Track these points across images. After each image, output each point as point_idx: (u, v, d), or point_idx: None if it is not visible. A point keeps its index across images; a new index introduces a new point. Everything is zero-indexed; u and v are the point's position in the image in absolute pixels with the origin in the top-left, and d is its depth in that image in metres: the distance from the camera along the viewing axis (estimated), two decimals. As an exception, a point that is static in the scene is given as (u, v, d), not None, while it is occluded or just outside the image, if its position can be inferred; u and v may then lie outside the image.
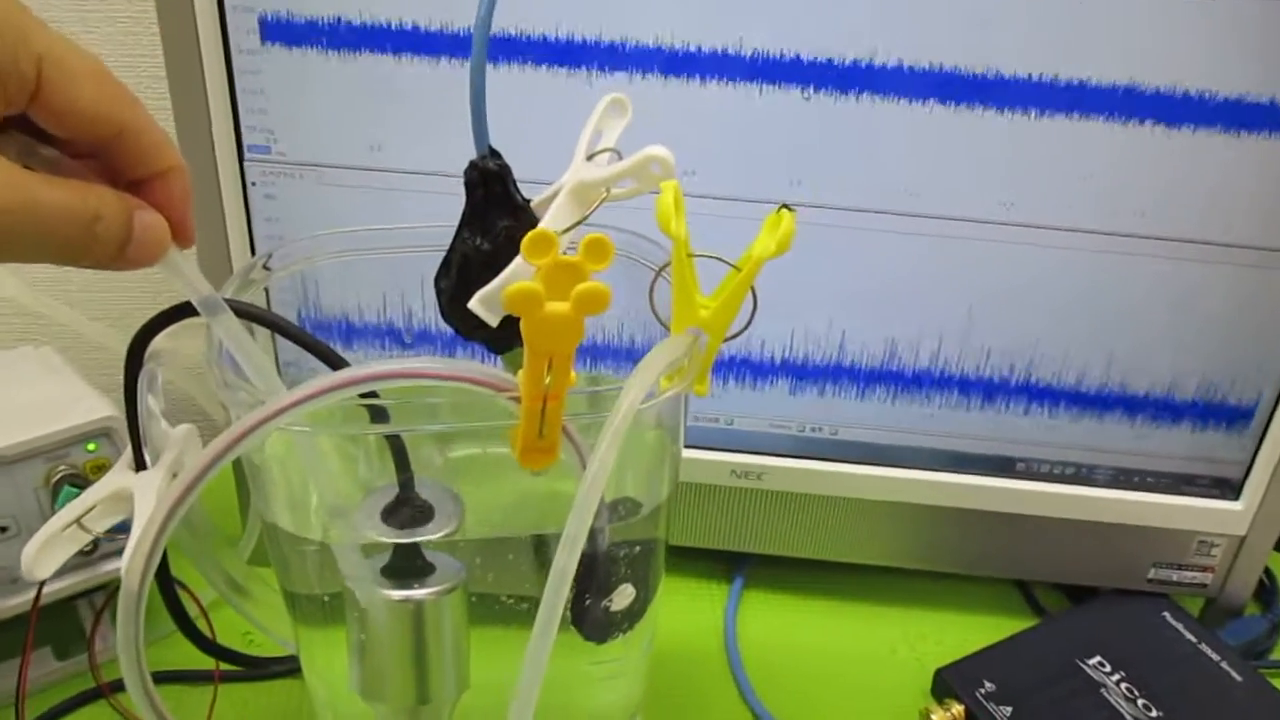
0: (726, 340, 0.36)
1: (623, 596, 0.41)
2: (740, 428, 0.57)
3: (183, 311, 0.35)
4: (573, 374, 0.33)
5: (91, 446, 0.51)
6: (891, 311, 0.53)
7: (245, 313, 0.35)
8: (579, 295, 0.30)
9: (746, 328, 0.36)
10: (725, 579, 0.63)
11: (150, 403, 0.37)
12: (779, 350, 0.54)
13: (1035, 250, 0.51)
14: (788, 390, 0.55)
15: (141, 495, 0.37)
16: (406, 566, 0.39)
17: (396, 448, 0.37)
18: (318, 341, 0.36)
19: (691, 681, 0.56)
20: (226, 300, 0.34)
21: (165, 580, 0.42)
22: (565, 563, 0.31)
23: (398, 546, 0.39)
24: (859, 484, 0.57)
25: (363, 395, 0.34)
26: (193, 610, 0.55)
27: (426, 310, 0.53)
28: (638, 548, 0.42)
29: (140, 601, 0.34)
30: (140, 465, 0.38)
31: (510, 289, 0.29)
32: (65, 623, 0.55)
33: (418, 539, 0.38)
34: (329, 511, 0.38)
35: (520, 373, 0.33)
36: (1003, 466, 0.57)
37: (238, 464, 0.59)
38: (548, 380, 0.32)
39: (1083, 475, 0.57)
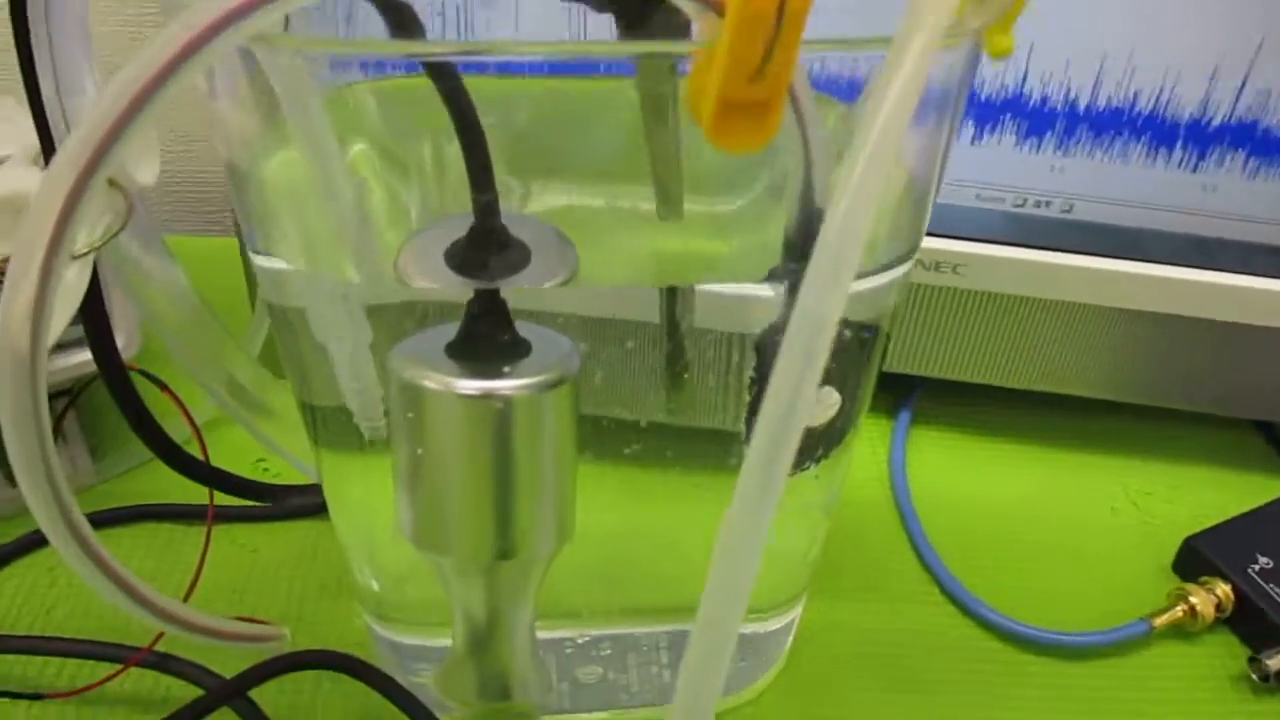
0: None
1: (824, 407, 0.26)
2: (933, 199, 0.41)
3: None
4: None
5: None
6: (1176, 24, 0.36)
7: None
8: None
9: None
10: (886, 411, 0.48)
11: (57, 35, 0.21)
12: (1003, 82, 0.38)
13: None
14: (1012, 142, 0.39)
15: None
16: (487, 343, 0.24)
17: (468, 133, 0.22)
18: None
19: (857, 540, 0.41)
20: None
21: (110, 362, 0.28)
22: (811, 341, 0.16)
23: (474, 313, 0.24)
24: (1095, 284, 0.41)
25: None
26: (185, 434, 0.41)
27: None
28: (848, 332, 0.26)
29: (35, 373, 0.20)
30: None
31: None
32: (22, 438, 0.41)
33: (508, 283, 0.23)
34: (359, 252, 0.24)
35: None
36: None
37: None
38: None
39: None
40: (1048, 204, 0.40)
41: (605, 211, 0.27)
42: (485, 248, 0.23)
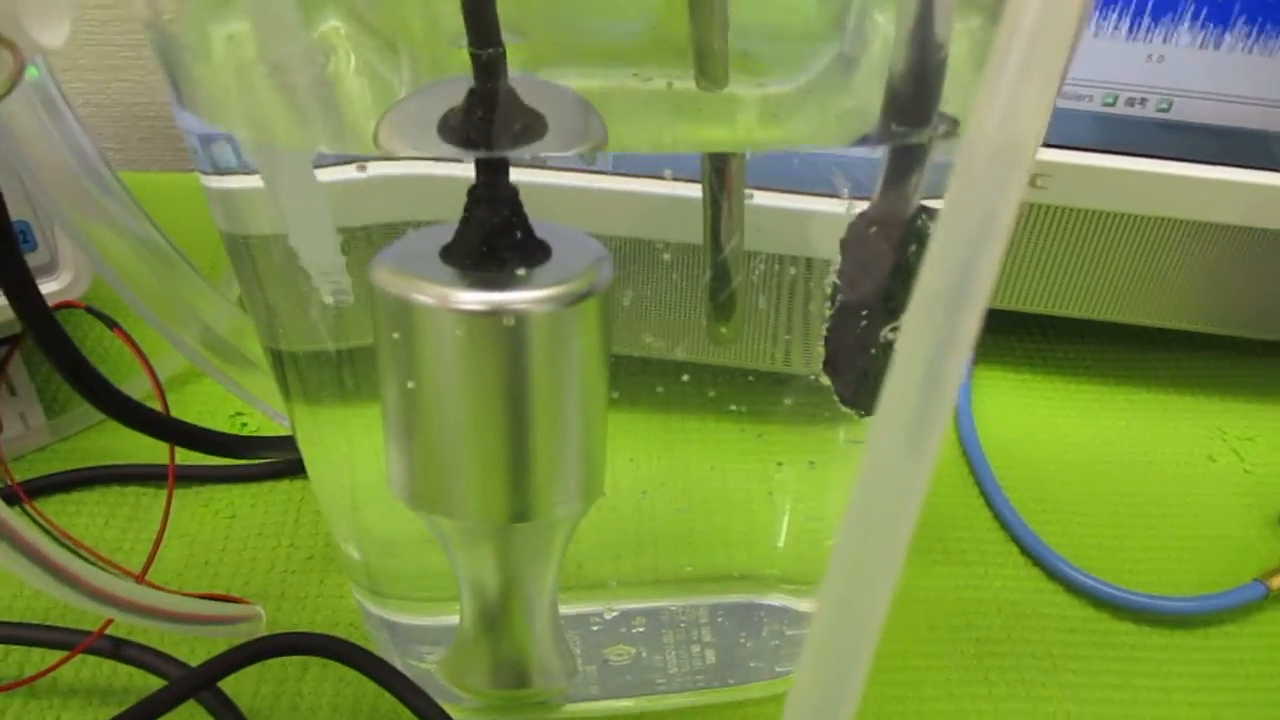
0: None
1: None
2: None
3: None
4: None
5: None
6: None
7: None
8: None
9: None
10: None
11: None
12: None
13: None
14: (1100, 24, 0.33)
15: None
16: (494, 244, 0.19)
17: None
18: None
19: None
20: None
21: (21, 290, 0.22)
22: (999, 180, 0.10)
23: (475, 201, 0.18)
24: (1198, 196, 0.35)
25: None
26: (144, 389, 0.36)
27: None
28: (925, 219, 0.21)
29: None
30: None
31: None
32: (-33, 392, 0.36)
33: (518, 152, 0.17)
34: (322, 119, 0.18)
35: None
36: None
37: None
38: None
39: None
40: (1143, 101, 0.34)
41: (631, 93, 0.22)
42: (488, 113, 0.17)
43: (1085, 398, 0.41)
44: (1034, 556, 0.34)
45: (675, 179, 0.24)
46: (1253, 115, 0.34)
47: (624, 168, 0.27)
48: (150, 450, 0.35)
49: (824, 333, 0.20)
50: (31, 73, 0.31)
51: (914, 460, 0.11)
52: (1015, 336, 0.43)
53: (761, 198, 0.23)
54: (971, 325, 0.11)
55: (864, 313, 0.19)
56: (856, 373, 0.20)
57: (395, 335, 0.19)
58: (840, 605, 0.11)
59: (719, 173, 0.23)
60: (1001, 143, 0.10)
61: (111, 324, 0.30)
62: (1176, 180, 0.35)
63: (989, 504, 0.36)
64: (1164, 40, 0.33)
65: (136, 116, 0.57)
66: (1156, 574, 0.34)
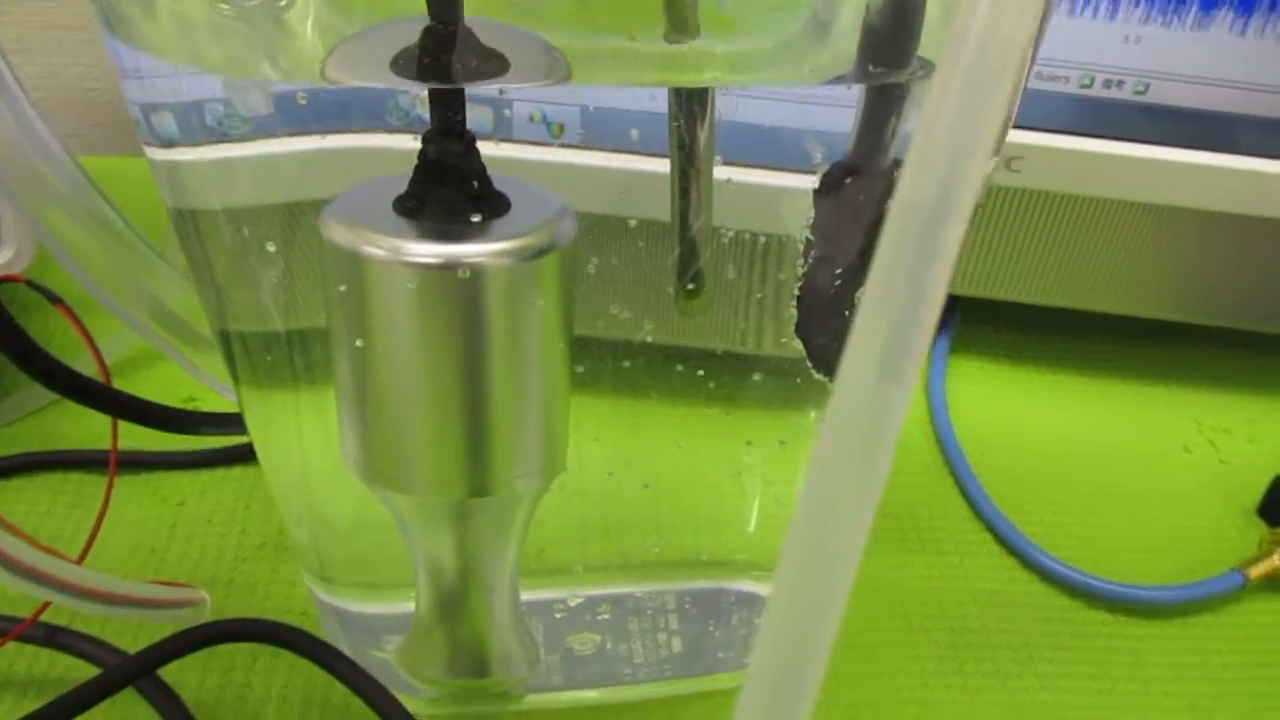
0: None
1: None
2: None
3: None
4: None
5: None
6: None
7: None
8: None
9: None
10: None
11: None
12: (1077, -71, 0.32)
13: None
14: (1077, 6, 0.33)
15: None
16: (449, 193, 0.18)
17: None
18: None
19: (896, 485, 0.35)
20: None
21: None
22: (989, 78, 0.09)
23: (429, 143, 0.17)
24: (1175, 180, 0.35)
25: None
26: (88, 372, 0.35)
27: None
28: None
29: None
30: None
31: None
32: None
33: (475, 85, 0.16)
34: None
35: None
36: None
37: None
38: None
39: None
40: (1120, 84, 0.34)
41: (596, 50, 0.21)
42: (444, 44, 0.16)
43: (1061, 388, 0.41)
44: (1010, 546, 0.33)
45: (645, 152, 0.24)
46: (1232, 99, 0.34)
47: (592, 137, 0.26)
48: (95, 437, 0.34)
49: (795, 292, 0.19)
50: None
51: (892, 385, 0.10)
52: (991, 326, 0.43)
53: (732, 173, 0.22)
54: (954, 238, 0.10)
55: (838, 271, 0.18)
56: (829, 337, 0.19)
57: (345, 289, 0.17)
58: (812, 542, 0.10)
59: (688, 146, 0.22)
60: (988, 41, 0.09)
61: (54, 299, 0.28)
62: (1154, 164, 0.34)
63: (964, 493, 0.35)
64: (1140, 20, 0.33)
65: (92, 102, 0.56)
66: (1133, 564, 0.34)
